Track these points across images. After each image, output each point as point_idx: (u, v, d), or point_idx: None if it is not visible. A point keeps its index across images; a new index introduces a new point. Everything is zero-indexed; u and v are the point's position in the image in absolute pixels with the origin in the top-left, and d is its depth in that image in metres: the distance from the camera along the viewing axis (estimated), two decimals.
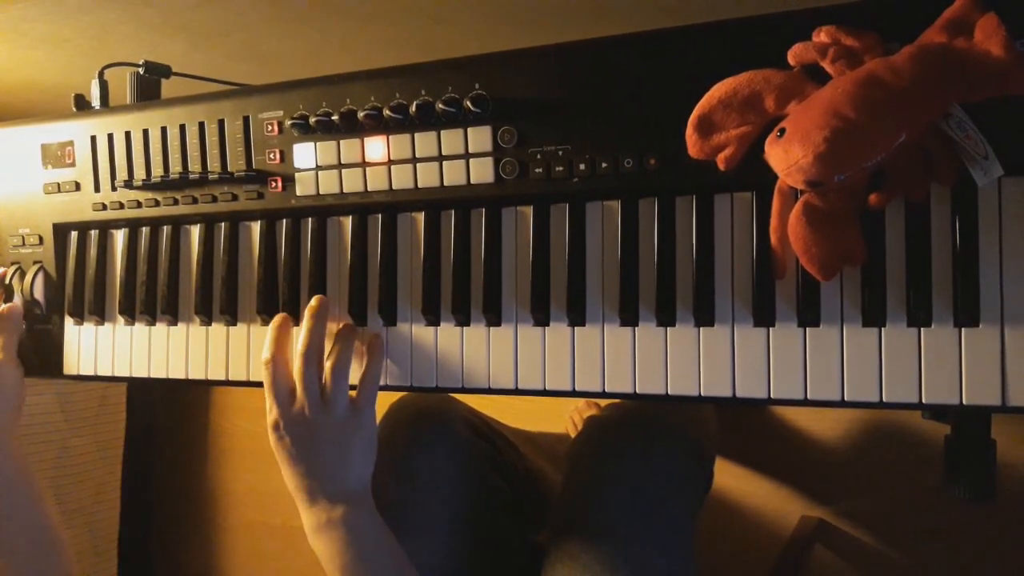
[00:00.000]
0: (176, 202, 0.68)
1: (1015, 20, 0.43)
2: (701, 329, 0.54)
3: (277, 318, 0.63)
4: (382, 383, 0.63)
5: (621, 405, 0.75)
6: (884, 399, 0.50)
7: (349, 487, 0.60)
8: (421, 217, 0.62)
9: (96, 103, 0.75)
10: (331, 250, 0.65)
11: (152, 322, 0.71)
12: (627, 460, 0.67)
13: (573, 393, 0.58)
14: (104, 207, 0.71)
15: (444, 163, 0.59)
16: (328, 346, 0.62)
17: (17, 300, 0.74)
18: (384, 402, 0.68)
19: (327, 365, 0.61)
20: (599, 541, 0.63)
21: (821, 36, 0.48)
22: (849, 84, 0.45)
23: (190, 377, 0.69)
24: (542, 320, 0.58)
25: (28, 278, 0.73)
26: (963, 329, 0.49)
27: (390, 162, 0.61)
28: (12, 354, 0.70)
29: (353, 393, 0.62)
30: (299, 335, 0.61)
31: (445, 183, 0.60)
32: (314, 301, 0.63)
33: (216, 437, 1.53)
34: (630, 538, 0.62)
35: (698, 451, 0.74)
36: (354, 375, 0.62)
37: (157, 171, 0.69)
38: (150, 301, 0.70)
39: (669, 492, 0.66)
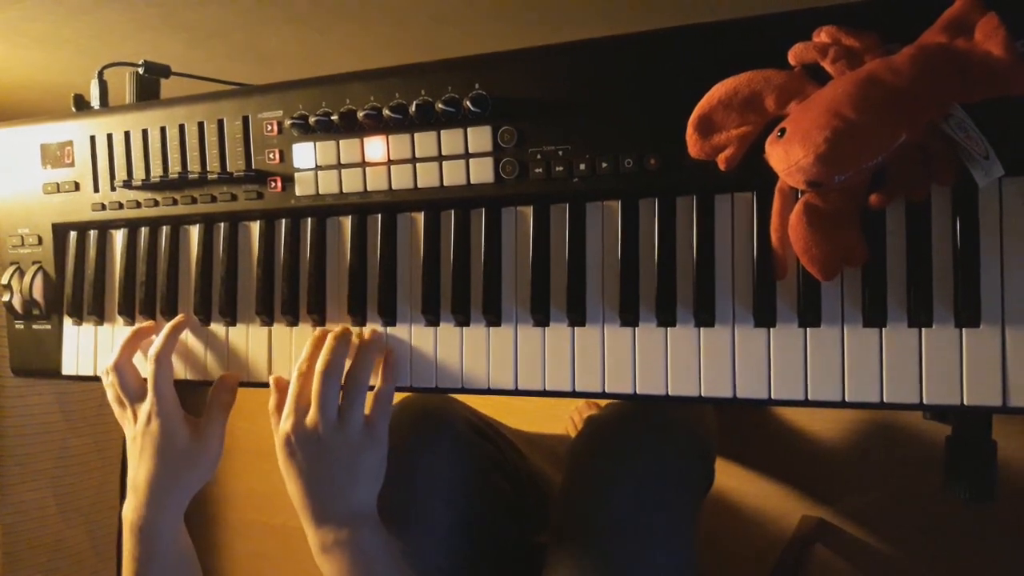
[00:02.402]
0: (175, 202, 0.68)
1: (1015, 20, 0.43)
2: (702, 329, 0.54)
3: (318, 332, 0.63)
4: None
5: (621, 405, 0.74)
6: (885, 400, 0.50)
7: (357, 508, 0.59)
8: (421, 217, 0.62)
9: (95, 103, 0.75)
10: (331, 250, 0.65)
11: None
12: (627, 459, 0.67)
13: (573, 394, 0.57)
14: (103, 207, 0.71)
15: (444, 163, 0.59)
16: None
17: (17, 300, 0.74)
18: None
19: (345, 381, 0.60)
20: (600, 541, 0.63)
21: (821, 36, 0.48)
22: (849, 84, 0.45)
23: (188, 378, 0.69)
24: (542, 320, 0.58)
25: (27, 278, 0.73)
26: (964, 329, 0.49)
27: (390, 162, 0.61)
28: (222, 429, 0.66)
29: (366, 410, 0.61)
30: (321, 353, 0.61)
31: (445, 183, 0.60)
32: (342, 328, 0.63)
33: None
34: (631, 538, 0.62)
35: (698, 450, 0.74)
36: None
37: (156, 171, 0.68)
38: (149, 301, 0.70)
39: (670, 491, 0.66)
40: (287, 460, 0.60)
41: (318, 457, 0.59)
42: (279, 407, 0.62)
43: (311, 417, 0.59)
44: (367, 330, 0.63)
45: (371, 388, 0.62)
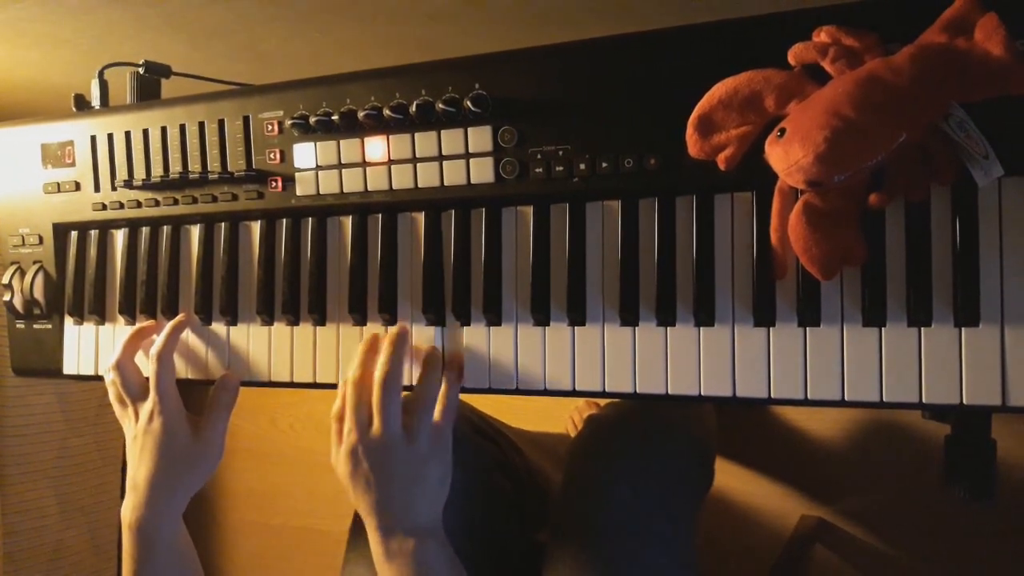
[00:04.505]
0: (176, 202, 0.68)
1: (1015, 20, 0.43)
2: (701, 329, 0.54)
3: (370, 338, 0.62)
4: None
5: (621, 404, 0.75)
6: (884, 399, 0.50)
7: (423, 521, 0.59)
8: (421, 217, 0.62)
9: (96, 103, 0.75)
10: (331, 250, 0.65)
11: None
12: (627, 459, 0.67)
13: (573, 393, 0.58)
14: (104, 207, 0.71)
15: (444, 163, 0.59)
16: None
17: (18, 300, 0.74)
18: None
19: (414, 396, 0.59)
20: (600, 540, 0.63)
21: (821, 36, 0.48)
22: (849, 84, 0.45)
23: (190, 377, 0.69)
24: (542, 320, 0.58)
25: (28, 278, 0.73)
26: (963, 329, 0.49)
27: (390, 162, 0.61)
28: (223, 428, 0.66)
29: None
30: (379, 361, 0.59)
31: (445, 183, 0.60)
32: (397, 328, 0.61)
33: None
34: (631, 537, 0.62)
35: (698, 449, 0.74)
36: None
37: (157, 171, 0.69)
38: (150, 301, 0.70)
39: (670, 491, 0.66)
40: (353, 471, 0.59)
41: (384, 469, 0.58)
42: (342, 415, 0.60)
43: (375, 429, 0.58)
44: (428, 331, 0.62)
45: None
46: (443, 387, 0.61)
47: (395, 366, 0.59)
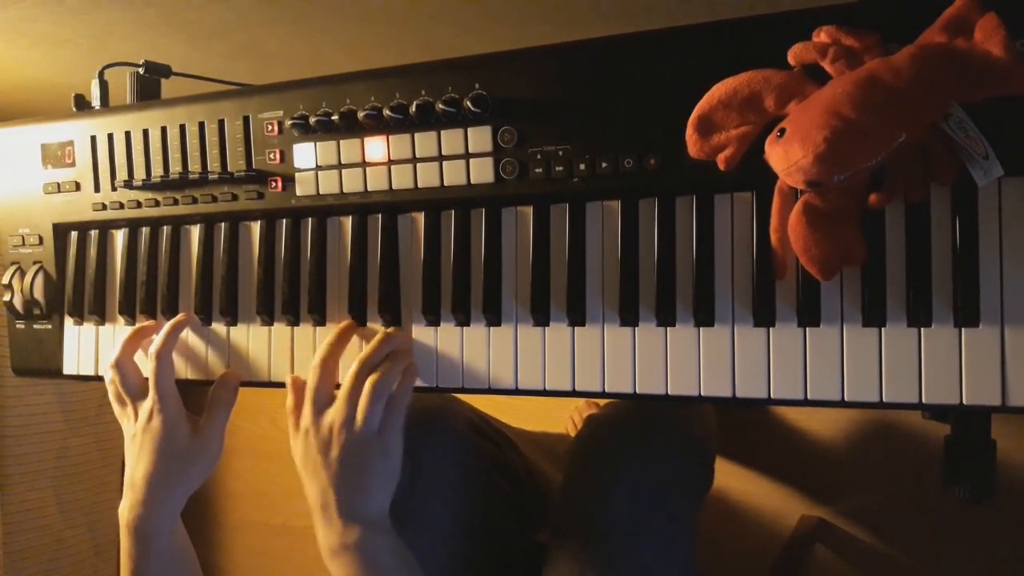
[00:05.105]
0: (176, 202, 0.68)
1: (1015, 20, 0.43)
2: (701, 329, 0.54)
3: (344, 324, 0.63)
4: None
5: (621, 404, 0.75)
6: (884, 399, 0.50)
7: (367, 511, 0.59)
8: (421, 217, 0.62)
9: (96, 103, 0.75)
10: (331, 250, 0.65)
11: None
12: (628, 459, 0.67)
13: (573, 393, 0.58)
14: (104, 207, 0.71)
15: (444, 163, 0.59)
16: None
17: (18, 300, 0.74)
18: None
19: (368, 382, 0.60)
20: (601, 541, 0.63)
21: (821, 36, 0.48)
22: (849, 84, 0.45)
23: (190, 377, 0.69)
24: (542, 320, 0.58)
25: (28, 278, 0.73)
26: (963, 329, 0.49)
27: (390, 162, 0.61)
28: (222, 427, 0.66)
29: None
30: (366, 350, 0.60)
31: (445, 183, 0.60)
32: (391, 330, 0.62)
33: None
34: (632, 538, 0.62)
35: (698, 450, 0.74)
36: None
37: (157, 171, 0.69)
38: (150, 301, 0.70)
39: (670, 491, 0.66)
40: (304, 454, 0.60)
41: (333, 454, 0.59)
42: (297, 407, 0.62)
43: (333, 412, 0.59)
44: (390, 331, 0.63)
45: None
46: (397, 387, 0.61)
47: (377, 358, 0.60)
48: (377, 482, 0.60)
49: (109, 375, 0.66)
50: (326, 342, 0.62)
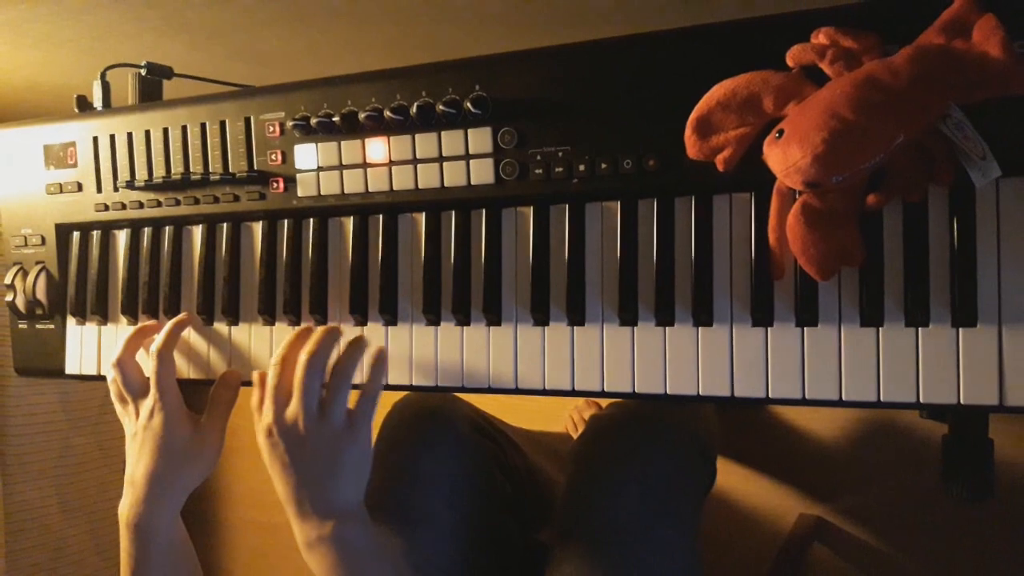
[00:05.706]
0: (178, 203, 0.68)
1: (1014, 21, 0.43)
2: (700, 329, 0.55)
3: (304, 325, 0.64)
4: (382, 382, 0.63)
5: (623, 404, 0.75)
6: (882, 399, 0.50)
7: (340, 503, 0.58)
8: (422, 218, 0.62)
9: (98, 104, 0.75)
10: (332, 250, 0.65)
11: None
12: (632, 460, 0.67)
13: (573, 392, 0.58)
14: (106, 208, 0.71)
15: (444, 164, 0.60)
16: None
17: (20, 300, 0.74)
18: (387, 401, 0.68)
19: (330, 374, 0.60)
20: (606, 542, 0.63)
21: (820, 37, 0.48)
22: (847, 85, 0.45)
23: (191, 376, 0.69)
24: (542, 320, 0.59)
25: (30, 278, 0.74)
26: (961, 329, 0.49)
27: (391, 163, 0.61)
28: (223, 426, 0.67)
29: (351, 405, 0.61)
30: (307, 343, 0.61)
31: (446, 184, 0.60)
32: (330, 326, 0.63)
33: None
34: (637, 538, 0.62)
35: (700, 450, 0.74)
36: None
37: (159, 172, 0.69)
38: (152, 301, 0.71)
39: (674, 491, 0.66)
40: (269, 453, 0.59)
41: (299, 449, 0.58)
42: (261, 404, 0.61)
43: (292, 407, 0.59)
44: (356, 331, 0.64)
45: (356, 387, 0.62)
46: (366, 376, 0.61)
47: (322, 349, 0.60)
48: (348, 473, 0.59)
49: (111, 374, 0.67)
50: (287, 340, 0.62)
